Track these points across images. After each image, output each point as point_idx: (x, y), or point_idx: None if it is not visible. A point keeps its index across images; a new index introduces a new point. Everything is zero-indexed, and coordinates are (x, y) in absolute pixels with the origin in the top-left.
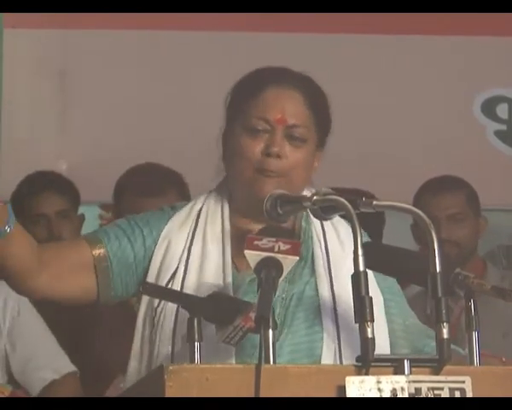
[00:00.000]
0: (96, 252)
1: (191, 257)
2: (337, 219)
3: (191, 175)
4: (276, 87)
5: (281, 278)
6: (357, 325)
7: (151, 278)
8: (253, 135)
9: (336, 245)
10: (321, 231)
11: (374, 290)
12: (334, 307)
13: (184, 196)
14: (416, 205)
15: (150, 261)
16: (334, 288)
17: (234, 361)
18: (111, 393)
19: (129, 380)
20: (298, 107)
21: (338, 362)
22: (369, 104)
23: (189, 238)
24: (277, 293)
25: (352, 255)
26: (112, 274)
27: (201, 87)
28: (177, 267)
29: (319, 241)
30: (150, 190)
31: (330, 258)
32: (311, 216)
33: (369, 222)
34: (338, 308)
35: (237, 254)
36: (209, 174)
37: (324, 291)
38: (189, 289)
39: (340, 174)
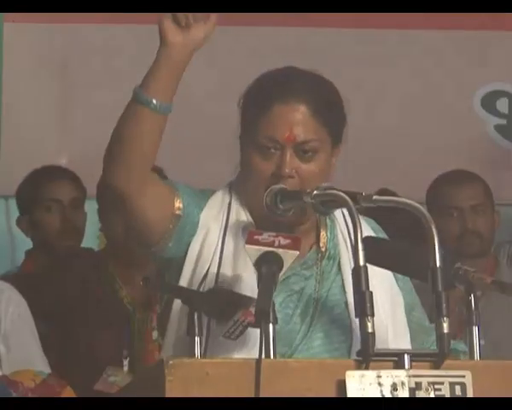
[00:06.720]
0: (176, 207)
1: (225, 251)
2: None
3: (192, 173)
4: (281, 103)
5: (281, 274)
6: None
7: (188, 266)
8: (264, 154)
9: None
10: (345, 228)
11: (395, 290)
12: None
13: None
14: (436, 196)
15: (188, 248)
16: None
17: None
18: (100, 386)
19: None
20: (305, 121)
21: None
22: (367, 102)
23: (222, 232)
24: (309, 292)
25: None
26: (177, 234)
27: (203, 85)
28: (212, 260)
29: (344, 240)
30: None
31: None
32: (335, 213)
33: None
34: None
35: None
36: (211, 172)
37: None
38: (224, 283)
39: (344, 174)
